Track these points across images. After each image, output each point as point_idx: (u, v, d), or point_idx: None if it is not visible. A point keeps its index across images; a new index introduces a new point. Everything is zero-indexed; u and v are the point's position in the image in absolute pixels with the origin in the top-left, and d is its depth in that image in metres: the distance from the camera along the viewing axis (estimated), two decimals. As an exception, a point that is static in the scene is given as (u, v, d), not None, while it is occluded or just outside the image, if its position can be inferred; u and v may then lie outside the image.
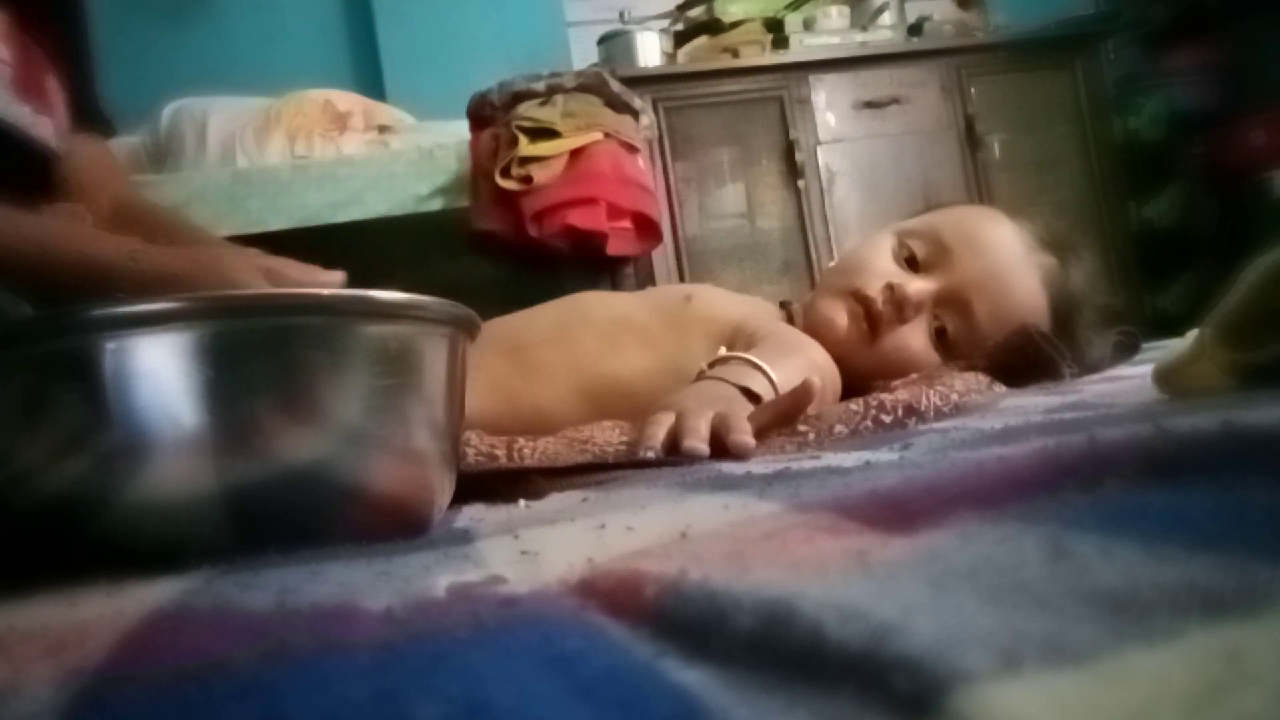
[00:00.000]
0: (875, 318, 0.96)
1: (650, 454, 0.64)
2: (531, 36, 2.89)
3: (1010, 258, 0.99)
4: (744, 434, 0.64)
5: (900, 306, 0.96)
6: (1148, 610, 0.18)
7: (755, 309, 1.07)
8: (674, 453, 0.64)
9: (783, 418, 0.72)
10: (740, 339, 0.94)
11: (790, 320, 1.05)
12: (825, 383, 0.86)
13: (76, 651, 0.24)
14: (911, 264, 0.99)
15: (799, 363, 0.85)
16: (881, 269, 0.98)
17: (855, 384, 0.94)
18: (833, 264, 1.08)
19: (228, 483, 0.39)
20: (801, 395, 0.72)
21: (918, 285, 0.97)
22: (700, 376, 0.82)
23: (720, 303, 1.04)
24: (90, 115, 0.97)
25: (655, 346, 0.95)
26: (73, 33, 0.94)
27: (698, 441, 0.63)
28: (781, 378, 0.79)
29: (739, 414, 0.68)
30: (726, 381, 0.77)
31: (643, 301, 1.09)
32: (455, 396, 0.48)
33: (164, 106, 2.26)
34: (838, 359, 0.96)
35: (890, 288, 0.96)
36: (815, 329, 0.99)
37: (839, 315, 0.98)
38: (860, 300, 0.97)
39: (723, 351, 0.84)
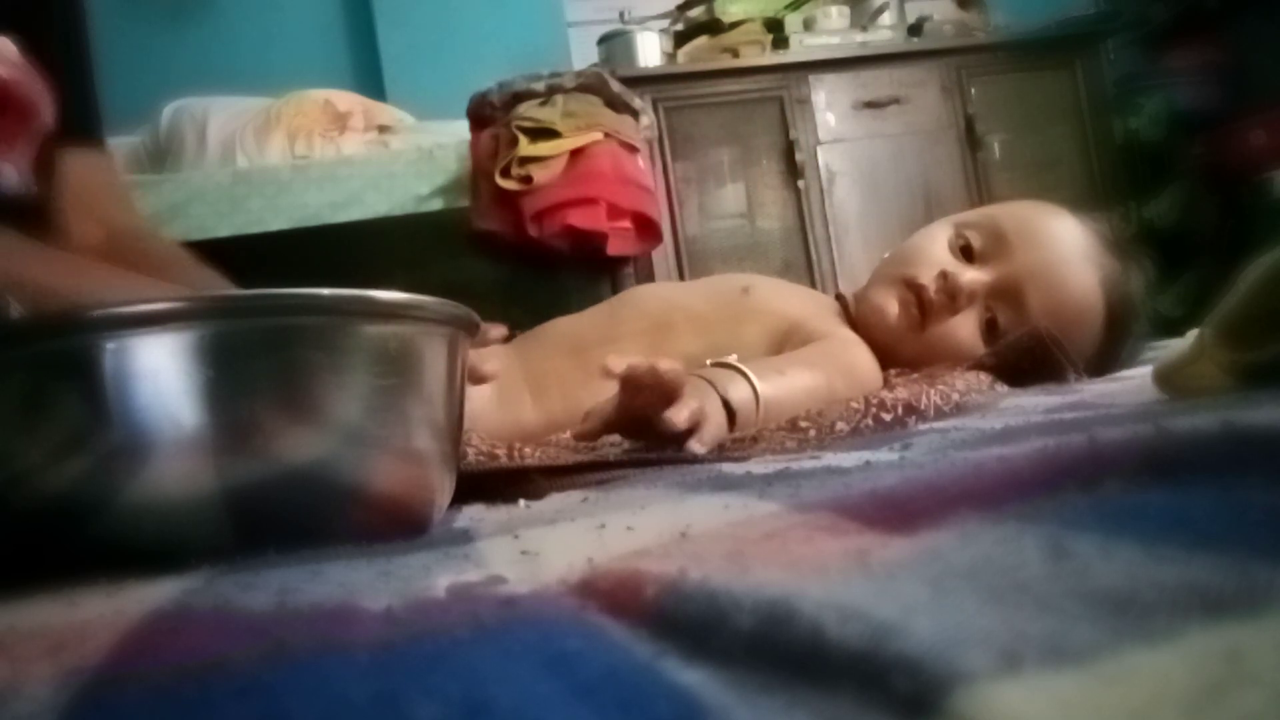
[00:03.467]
0: (927, 306, 0.96)
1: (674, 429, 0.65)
2: (531, 36, 2.89)
3: (1069, 253, 0.97)
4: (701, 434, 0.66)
5: (953, 295, 0.95)
6: (1148, 610, 0.18)
7: (814, 305, 1.07)
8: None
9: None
10: (796, 337, 0.94)
11: (846, 313, 1.05)
12: (851, 392, 0.86)
13: (76, 651, 0.24)
14: (967, 255, 0.98)
15: (808, 379, 0.85)
16: (936, 258, 0.98)
17: (885, 375, 0.94)
18: (888, 254, 1.07)
19: (228, 483, 0.39)
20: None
21: (971, 275, 0.96)
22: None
23: (778, 297, 1.04)
24: (84, 129, 0.89)
25: (708, 334, 0.95)
26: (66, 44, 0.89)
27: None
28: (770, 390, 0.79)
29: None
30: (711, 385, 0.77)
31: (698, 290, 1.09)
32: (455, 396, 0.48)
33: (164, 106, 2.26)
34: (885, 348, 0.96)
35: (944, 276, 0.96)
36: (865, 317, 0.99)
37: (890, 303, 0.98)
38: (913, 288, 0.97)
39: (733, 358, 0.83)
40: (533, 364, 0.97)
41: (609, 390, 0.91)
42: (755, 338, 0.95)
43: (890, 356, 0.96)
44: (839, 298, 1.11)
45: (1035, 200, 1.08)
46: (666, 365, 0.68)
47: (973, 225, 1.00)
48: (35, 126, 0.80)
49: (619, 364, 0.67)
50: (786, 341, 0.95)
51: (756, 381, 0.78)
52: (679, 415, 0.65)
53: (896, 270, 1.01)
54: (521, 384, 0.96)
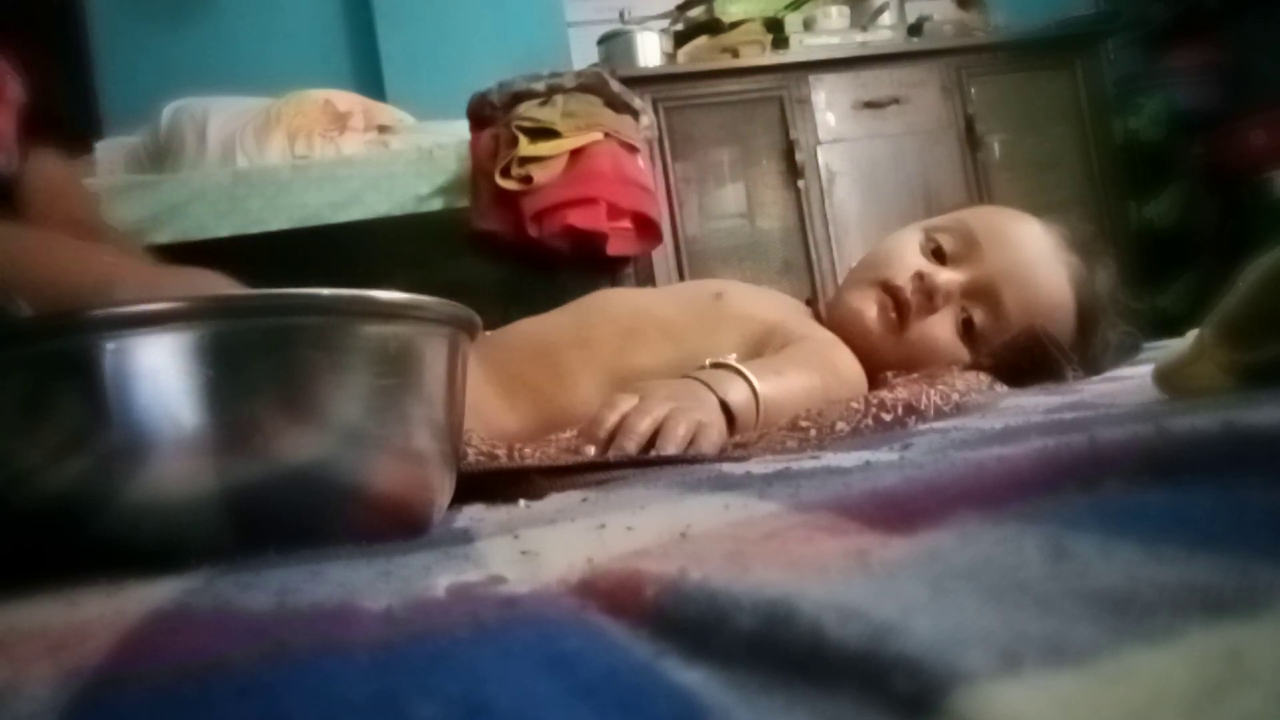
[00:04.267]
0: (904, 307, 0.97)
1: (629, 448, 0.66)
2: (531, 36, 2.89)
3: (1038, 253, 1.00)
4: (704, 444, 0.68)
5: (930, 295, 0.96)
6: (1148, 610, 0.18)
7: (788, 309, 1.07)
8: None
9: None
10: (774, 341, 0.95)
11: (818, 318, 1.05)
12: (841, 391, 0.86)
13: (76, 651, 0.24)
14: (939, 258, 1.00)
15: (803, 379, 0.85)
16: (910, 261, 0.99)
17: (882, 376, 0.95)
18: (859, 260, 1.08)
19: (228, 483, 0.39)
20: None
21: (947, 275, 0.98)
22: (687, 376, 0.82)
23: (751, 302, 1.04)
24: (66, 128, 0.96)
25: (680, 341, 0.95)
26: (59, 44, 0.91)
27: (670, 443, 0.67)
28: (769, 390, 0.79)
29: (707, 421, 0.71)
30: (709, 387, 0.77)
31: (668, 296, 1.09)
32: (455, 396, 0.48)
33: (164, 106, 2.26)
34: (865, 351, 0.97)
35: (920, 276, 0.97)
36: (842, 322, 1.00)
37: (867, 306, 0.99)
38: (889, 290, 0.98)
39: (732, 359, 0.83)
40: (499, 366, 0.97)
41: (579, 391, 0.91)
42: (730, 344, 0.95)
43: (869, 360, 0.96)
44: (809, 303, 1.12)
45: (1033, 200, 1.09)
46: (626, 406, 0.70)
47: (942, 229, 1.02)
48: (7, 98, 0.82)
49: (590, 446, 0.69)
50: (764, 345, 0.95)
51: (756, 382, 0.78)
52: (667, 448, 0.66)
53: (870, 274, 1.01)
54: (485, 385, 0.95)
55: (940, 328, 0.97)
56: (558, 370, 0.95)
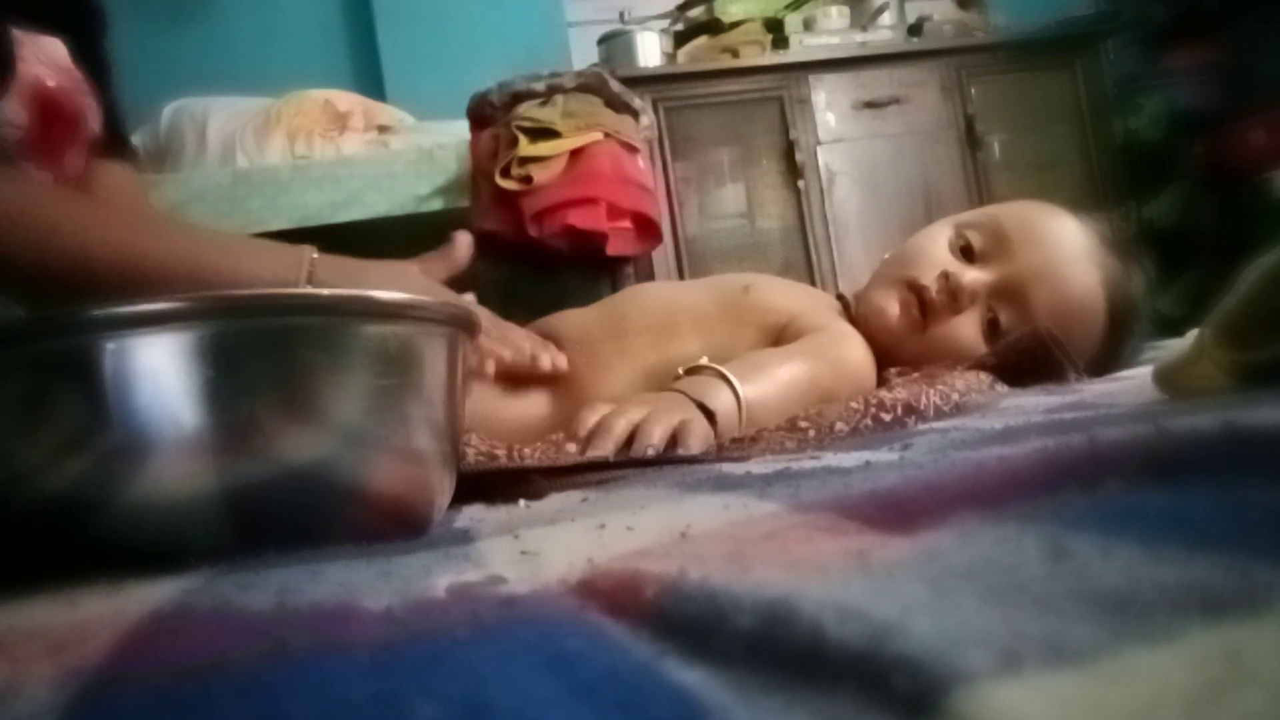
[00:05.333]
0: (928, 306, 0.96)
1: (606, 453, 0.67)
2: (531, 36, 2.89)
3: (1071, 252, 0.97)
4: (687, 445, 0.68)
5: (954, 295, 0.95)
6: (1148, 610, 0.18)
7: (813, 302, 1.06)
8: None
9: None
10: (791, 330, 0.95)
11: (848, 312, 1.05)
12: (839, 386, 0.86)
13: (76, 651, 0.24)
14: (968, 255, 0.98)
15: (793, 375, 0.85)
16: (937, 258, 0.98)
17: (884, 374, 0.95)
18: (888, 255, 1.07)
19: (228, 483, 0.39)
20: None
21: (973, 275, 0.96)
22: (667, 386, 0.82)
23: (777, 294, 1.04)
24: (115, 141, 0.92)
25: (710, 333, 0.95)
26: (100, 59, 0.90)
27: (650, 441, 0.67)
28: (752, 391, 0.79)
29: (688, 418, 0.71)
30: (686, 395, 0.77)
31: (701, 289, 1.09)
32: (455, 396, 0.48)
33: (164, 106, 2.26)
34: (886, 348, 0.96)
35: (945, 276, 0.95)
36: (865, 318, 0.99)
37: (890, 304, 0.98)
38: (914, 289, 0.97)
39: (704, 361, 0.83)
40: None
41: (615, 383, 0.91)
42: (755, 336, 0.95)
43: (891, 357, 0.96)
44: (840, 298, 1.11)
45: (1035, 200, 1.08)
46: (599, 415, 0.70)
47: (973, 225, 1.00)
48: (82, 136, 0.80)
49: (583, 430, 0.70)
50: (782, 336, 0.95)
51: (737, 384, 0.78)
52: (646, 448, 0.67)
53: (897, 271, 1.00)
54: (532, 376, 0.95)
55: (964, 328, 0.96)
56: (593, 363, 0.95)
